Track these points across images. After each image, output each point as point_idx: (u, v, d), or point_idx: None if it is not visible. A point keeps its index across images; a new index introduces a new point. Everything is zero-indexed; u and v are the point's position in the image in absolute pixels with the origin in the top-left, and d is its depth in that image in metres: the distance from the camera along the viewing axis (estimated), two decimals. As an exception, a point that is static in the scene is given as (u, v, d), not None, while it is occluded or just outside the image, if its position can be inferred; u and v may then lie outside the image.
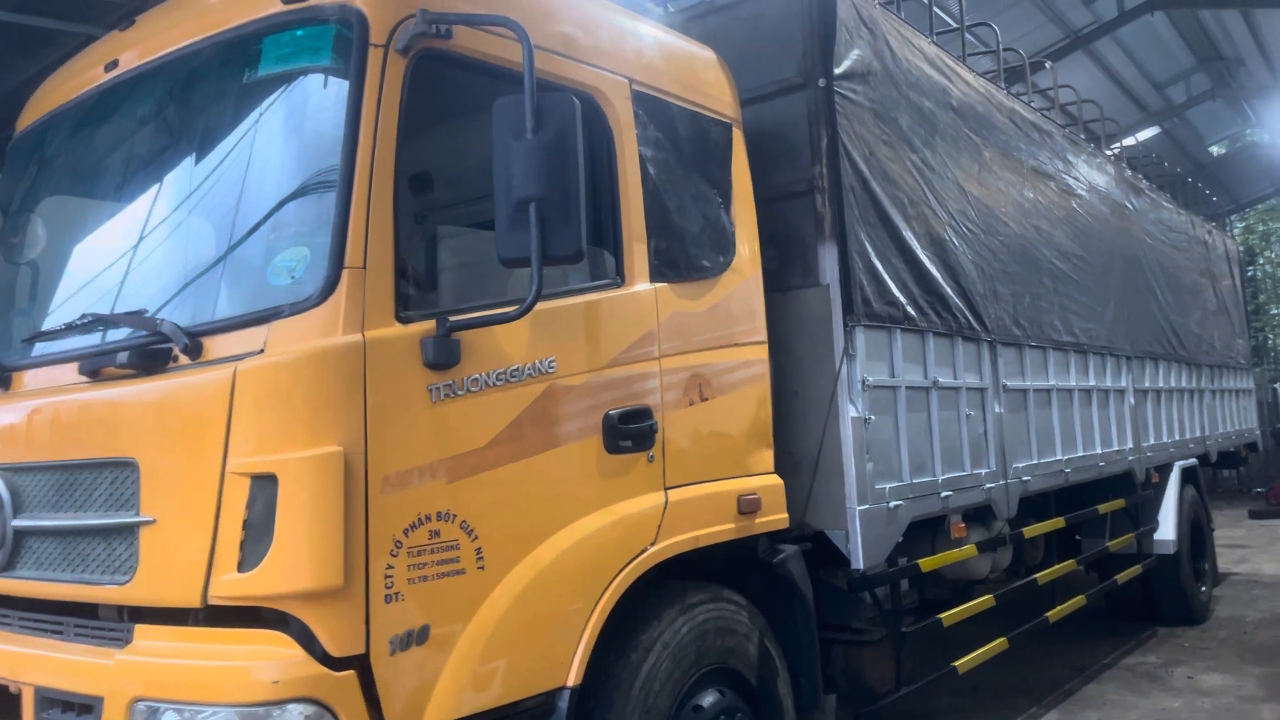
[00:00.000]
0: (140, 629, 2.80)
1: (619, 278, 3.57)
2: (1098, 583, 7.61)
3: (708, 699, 3.63)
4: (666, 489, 3.60)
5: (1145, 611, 8.60)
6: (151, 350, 2.87)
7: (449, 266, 3.23)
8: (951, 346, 5.36)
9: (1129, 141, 13.02)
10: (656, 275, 3.70)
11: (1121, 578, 7.53)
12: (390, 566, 2.73)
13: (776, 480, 4.13)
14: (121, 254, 3.29)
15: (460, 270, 3.27)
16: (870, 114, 4.82)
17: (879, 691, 4.80)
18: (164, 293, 3.10)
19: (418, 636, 2.78)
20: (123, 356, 2.88)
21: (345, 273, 2.76)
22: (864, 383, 4.50)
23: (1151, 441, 8.26)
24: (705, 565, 3.78)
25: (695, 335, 3.84)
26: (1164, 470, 8.53)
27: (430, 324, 2.90)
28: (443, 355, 2.88)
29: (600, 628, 3.22)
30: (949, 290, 5.30)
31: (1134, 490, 7.81)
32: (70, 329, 3.20)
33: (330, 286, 2.75)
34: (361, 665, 2.67)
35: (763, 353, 4.18)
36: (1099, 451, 7.12)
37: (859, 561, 4.35)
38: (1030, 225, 6.51)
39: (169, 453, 2.76)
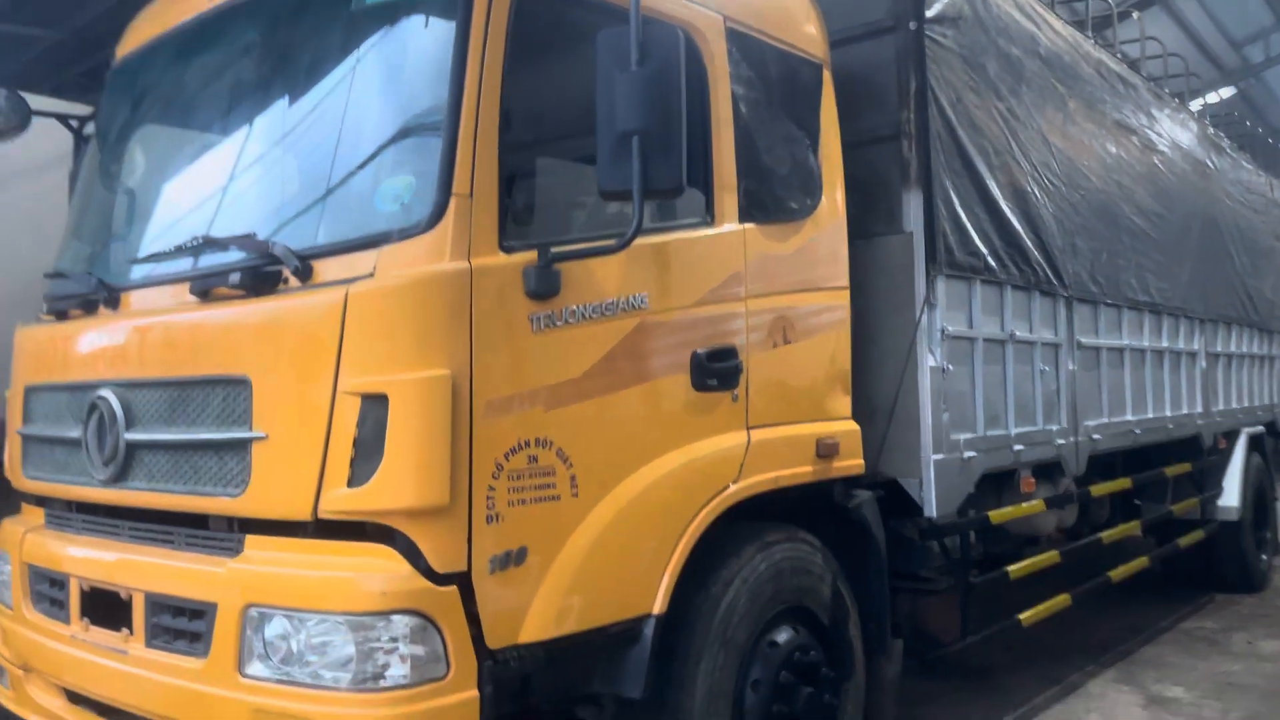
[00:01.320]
0: (250, 539, 2.91)
1: (709, 217, 3.59)
2: (1155, 547, 7.55)
3: (782, 635, 3.69)
4: (749, 428, 3.64)
5: (1203, 577, 8.52)
6: (263, 272, 2.95)
7: (549, 199, 3.26)
8: (1028, 300, 5.31)
9: (1211, 98, 12.63)
10: (745, 216, 3.70)
11: (1184, 541, 7.47)
12: (491, 488, 2.81)
13: (854, 426, 4.15)
14: (224, 181, 3.37)
15: (560, 203, 3.31)
16: (959, 59, 4.74)
17: (942, 640, 4.86)
18: (269, 219, 3.17)
19: (515, 558, 2.86)
20: (235, 277, 2.96)
21: (452, 200, 2.81)
22: (943, 332, 4.49)
23: (1220, 407, 8.13)
24: (779, 508, 3.82)
25: (781, 277, 3.84)
26: (1231, 437, 8.40)
27: (532, 254, 2.94)
28: (544, 285, 2.93)
29: (685, 560, 3.28)
30: (1029, 243, 5.24)
31: (1200, 455, 7.71)
32: (179, 251, 3.30)
33: (438, 213, 2.80)
34: (462, 582, 2.76)
35: (845, 298, 4.17)
36: (1169, 414, 7.04)
37: (932, 510, 4.37)
38: (1112, 180, 6.39)
39: (281, 371, 2.85)
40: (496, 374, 2.84)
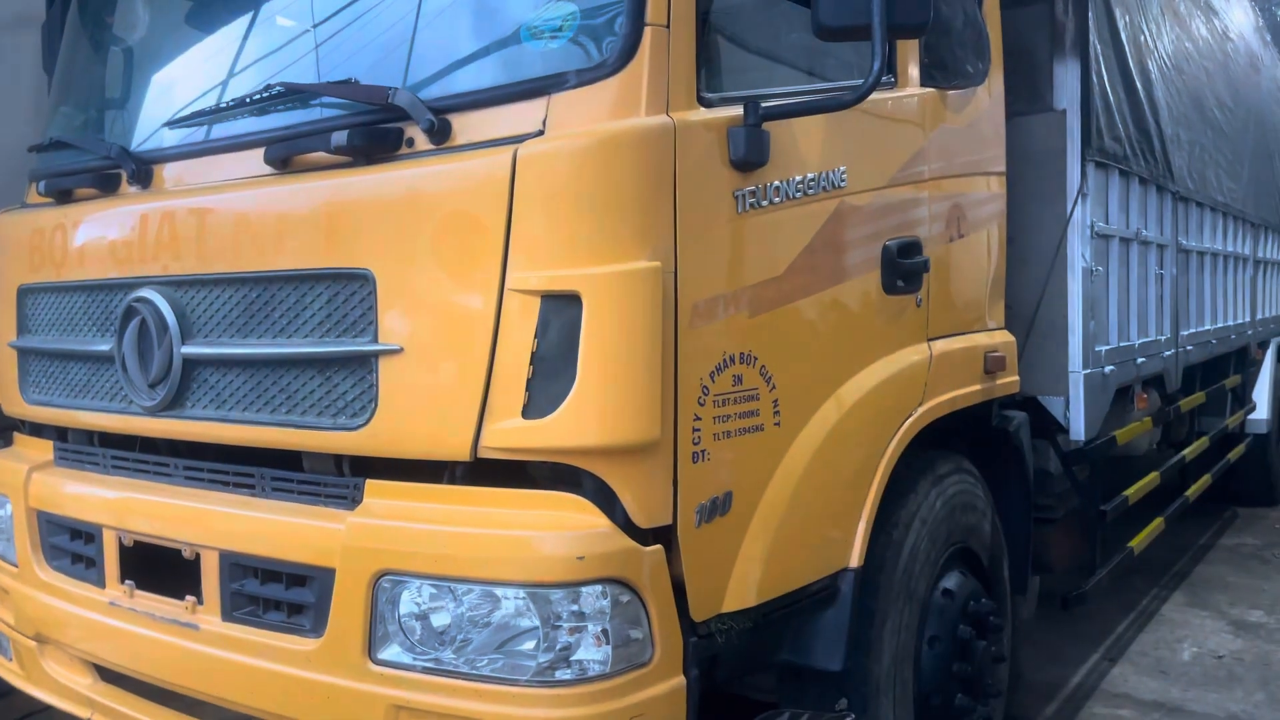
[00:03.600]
0: (371, 485, 2.22)
1: (891, 76, 2.90)
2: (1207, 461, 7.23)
3: (953, 581, 3.15)
4: (929, 340, 3.02)
5: (1223, 492, 8.29)
6: (380, 130, 2.18)
7: (747, 40, 2.53)
8: (1146, 195, 4.75)
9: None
10: (926, 78, 3.02)
11: (1233, 455, 7.17)
12: (698, 417, 2.15)
13: (1010, 337, 3.57)
14: (299, 10, 2.54)
15: (756, 46, 2.58)
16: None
17: (1059, 571, 4.40)
18: (372, 62, 2.38)
19: (722, 505, 2.23)
20: (338, 138, 2.19)
21: (648, 31, 2.08)
22: (1092, 228, 3.90)
23: (1262, 315, 7.79)
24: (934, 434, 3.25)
25: (956, 157, 3.19)
26: (1263, 347, 8.11)
27: (736, 111, 2.24)
28: (754, 151, 2.23)
29: (880, 498, 2.69)
30: (1152, 129, 4.66)
31: (1246, 366, 7.39)
32: (242, 107, 2.49)
33: (630, 49, 2.07)
34: (666, 540, 2.11)
35: (1003, 186, 3.54)
36: (1232, 323, 6.64)
37: (1080, 432, 3.85)
38: (1202, 66, 5.83)
39: (419, 263, 2.11)
40: (702, 267, 2.16)
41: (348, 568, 2.14)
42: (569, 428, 1.99)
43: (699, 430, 2.15)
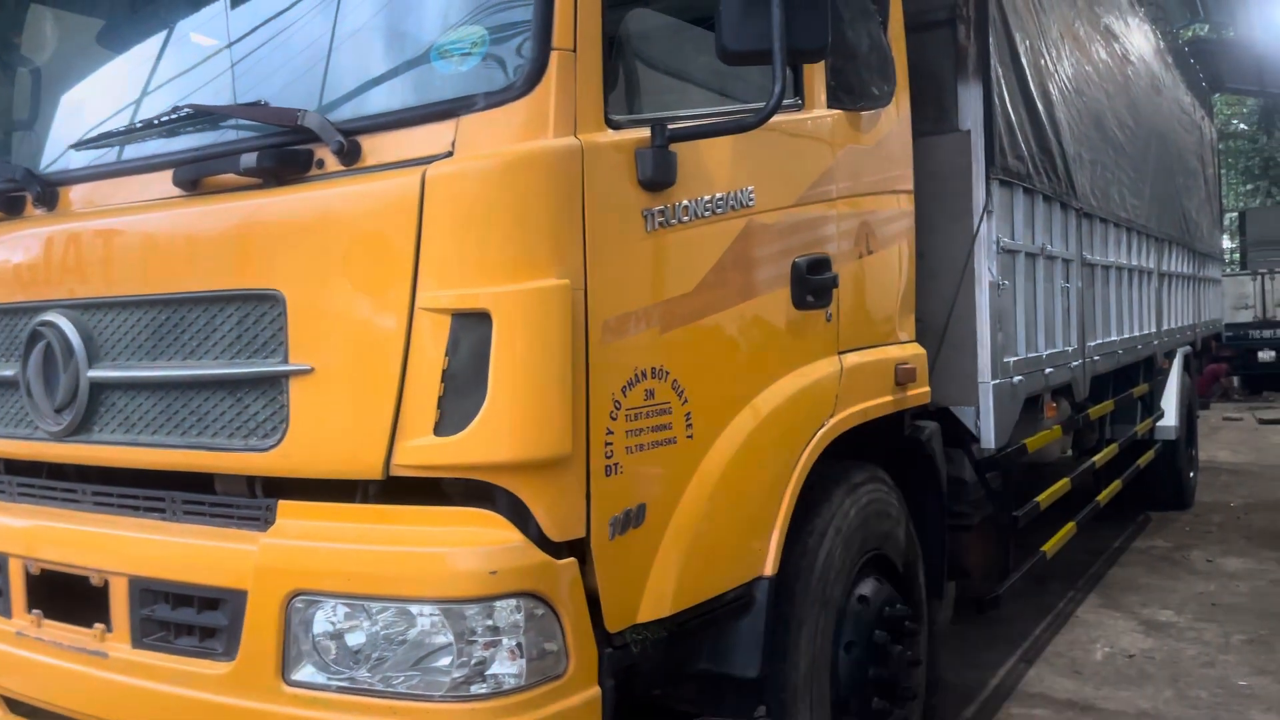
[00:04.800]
0: (284, 506, 2.21)
1: (799, 98, 2.99)
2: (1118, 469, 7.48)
3: (868, 588, 3.23)
4: (840, 353, 3.11)
5: (1136, 496, 8.59)
6: (290, 151, 2.19)
7: (653, 65, 2.59)
8: (1050, 212, 4.94)
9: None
10: (833, 100, 3.12)
11: (1142, 461, 7.44)
12: (610, 431, 2.19)
13: (921, 350, 3.68)
14: (212, 32, 2.54)
15: (662, 71, 2.64)
16: (1005, -63, 4.24)
17: (975, 577, 4.53)
18: (284, 84, 2.39)
19: (635, 517, 2.27)
20: (248, 159, 2.19)
21: (554, 55, 2.13)
22: (998, 244, 4.05)
23: (1167, 326, 8.12)
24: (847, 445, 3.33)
25: (864, 175, 3.29)
26: (1170, 356, 8.44)
27: (643, 132, 2.30)
28: (661, 171, 2.29)
29: (793, 508, 2.76)
30: (1054, 148, 4.86)
31: (1154, 375, 7.68)
32: (151, 129, 2.47)
33: (537, 72, 2.12)
34: (579, 553, 2.15)
35: (912, 203, 3.66)
36: (1138, 334, 6.91)
37: (990, 440, 3.98)
38: (1102, 88, 6.08)
39: (328, 283, 2.12)
40: (611, 286, 2.20)
41: (260, 589, 2.13)
42: (480, 444, 2.02)
43: (611, 444, 2.20)
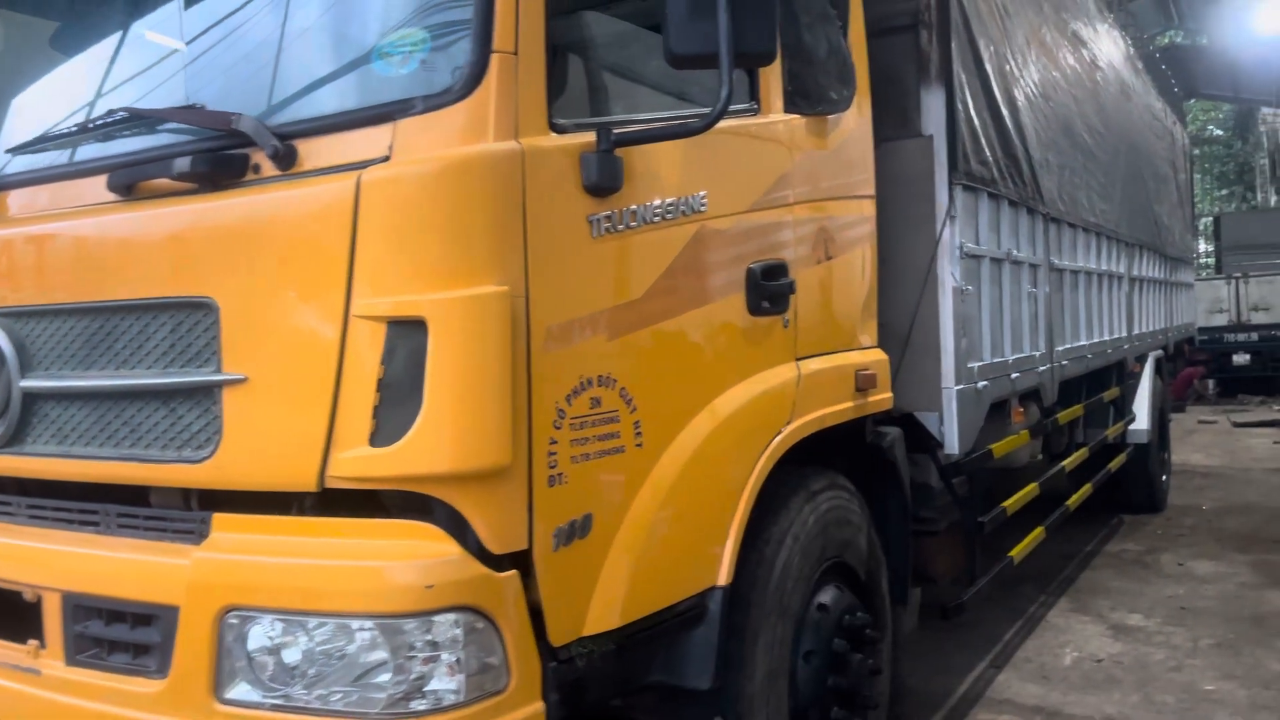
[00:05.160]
0: (219, 519, 2.16)
1: (754, 103, 2.96)
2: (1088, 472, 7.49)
3: (828, 596, 3.20)
4: (798, 360, 3.08)
5: (1109, 500, 8.62)
6: (224, 156, 2.14)
7: (600, 67, 2.56)
8: (1016, 217, 4.93)
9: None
10: (790, 104, 3.09)
11: (1114, 465, 7.46)
12: (554, 441, 2.15)
13: (884, 355, 3.65)
14: (150, 35, 2.49)
15: (610, 74, 2.61)
16: (968, -60, 4.24)
17: (941, 583, 4.52)
18: (223, 87, 2.34)
19: (580, 528, 2.23)
20: (181, 164, 2.15)
21: (494, 58, 2.09)
22: (962, 249, 4.03)
23: (1138, 330, 8.15)
24: (802, 450, 3.31)
25: (823, 181, 3.27)
26: (1141, 360, 8.47)
27: (588, 137, 2.26)
28: (607, 176, 2.26)
29: (748, 517, 2.72)
30: (1020, 154, 4.85)
31: (1125, 380, 7.70)
32: (85, 133, 2.42)
33: (476, 75, 2.08)
34: (522, 565, 2.10)
35: (873, 209, 3.64)
36: (1108, 338, 6.93)
37: (954, 446, 3.97)
38: (1070, 94, 6.09)
39: (261, 291, 2.08)
40: (555, 292, 2.16)
41: (193, 604, 2.07)
42: (417, 455, 1.97)
43: (555, 454, 2.15)
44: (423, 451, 1.97)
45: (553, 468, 2.15)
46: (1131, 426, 8.21)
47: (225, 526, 2.15)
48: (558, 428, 2.16)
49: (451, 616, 1.99)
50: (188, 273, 2.15)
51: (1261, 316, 19.84)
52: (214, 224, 2.14)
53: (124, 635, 2.21)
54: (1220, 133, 31.07)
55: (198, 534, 2.18)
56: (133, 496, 2.31)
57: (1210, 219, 26.34)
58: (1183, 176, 11.46)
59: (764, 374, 2.90)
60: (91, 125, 2.39)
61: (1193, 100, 26.36)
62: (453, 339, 1.97)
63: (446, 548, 2.01)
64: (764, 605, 2.84)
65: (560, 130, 2.23)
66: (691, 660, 2.58)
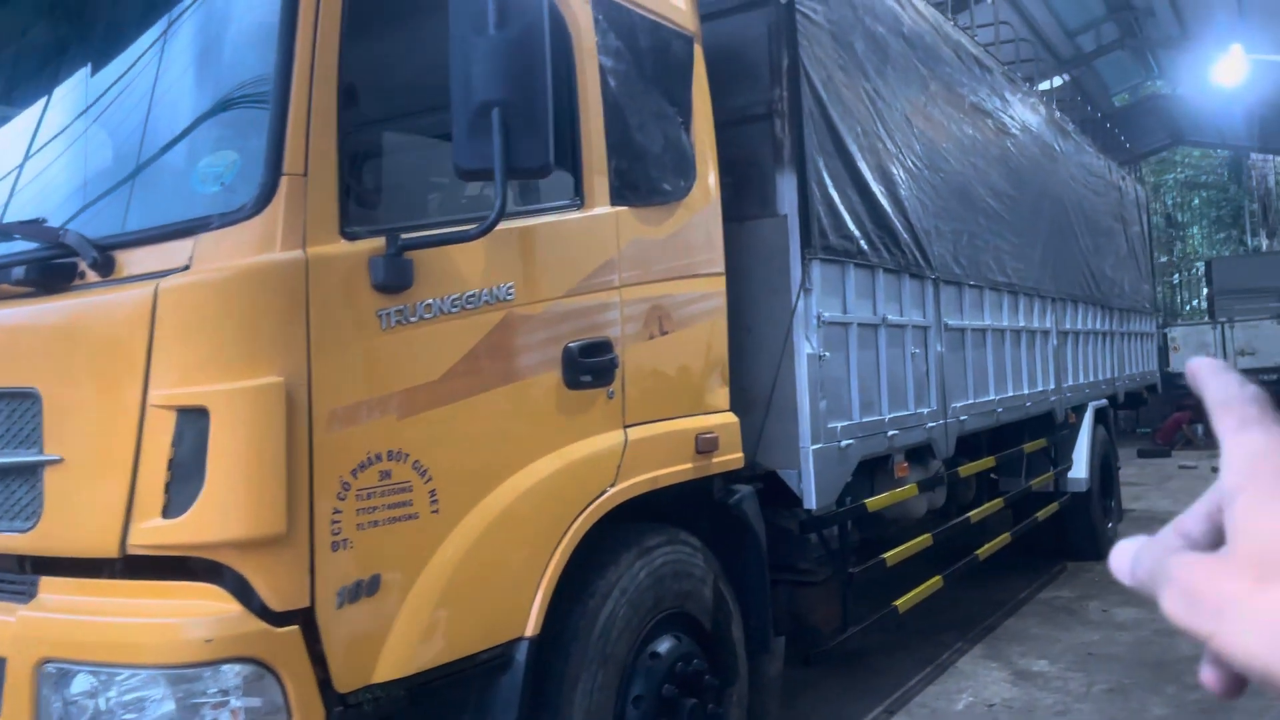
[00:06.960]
0: (46, 582, 2.47)
1: (578, 199, 3.29)
2: (1013, 521, 7.72)
3: (664, 645, 3.46)
4: (626, 427, 3.38)
5: (1056, 547, 8.81)
6: (53, 265, 2.49)
7: (398, 180, 2.90)
8: (899, 283, 5.24)
9: (1043, 86, 13.14)
10: (617, 198, 3.43)
11: (1042, 515, 7.66)
12: (337, 510, 2.45)
13: (733, 418, 3.95)
14: (3, 156, 2.86)
15: (413, 185, 2.95)
16: (829, 36, 4.59)
17: (824, 631, 4.75)
18: (63, 202, 2.70)
19: (367, 587, 2.52)
20: (17, 272, 2.50)
21: (284, 180, 2.43)
22: (819, 318, 4.34)
23: (1070, 382, 8.38)
24: (655, 507, 3.59)
25: (655, 264, 3.59)
26: (1079, 411, 8.69)
27: (379, 242, 2.59)
28: (394, 276, 2.58)
29: (560, 574, 3.00)
30: (898, 225, 5.17)
31: (1054, 430, 7.92)
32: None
33: (267, 195, 2.41)
34: (306, 620, 2.40)
35: (721, 285, 3.96)
36: (1026, 392, 7.17)
37: (812, 502, 4.23)
38: (968, 162, 6.42)
39: (78, 383, 2.41)
40: (340, 379, 2.48)
41: (16, 656, 2.38)
42: (199, 525, 2.28)
43: (339, 522, 2.45)
44: (204, 523, 2.28)
45: (336, 534, 2.44)
46: (1070, 475, 8.43)
47: (50, 588, 2.46)
48: (341, 499, 2.46)
49: (233, 667, 2.28)
50: (18, 366, 2.49)
51: (1248, 361, 19.92)
52: (40, 323, 2.49)
53: (-37, 685, 2.51)
54: (1208, 178, 31.34)
55: (27, 594, 2.49)
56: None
57: (1202, 263, 26.52)
58: (1136, 229, 11.72)
59: (584, 441, 3.20)
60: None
61: (1180, 146, 26.74)
62: (230, 424, 2.28)
63: (229, 606, 2.31)
64: (585, 654, 3.11)
65: (352, 237, 2.56)
66: (497, 706, 2.84)
